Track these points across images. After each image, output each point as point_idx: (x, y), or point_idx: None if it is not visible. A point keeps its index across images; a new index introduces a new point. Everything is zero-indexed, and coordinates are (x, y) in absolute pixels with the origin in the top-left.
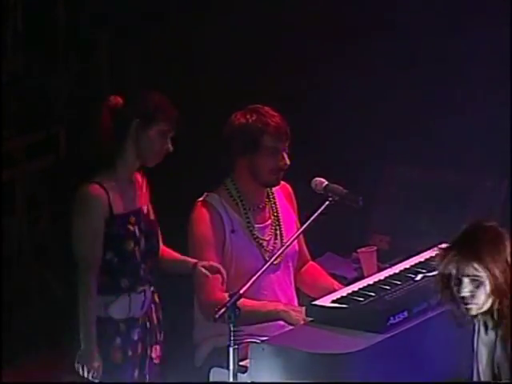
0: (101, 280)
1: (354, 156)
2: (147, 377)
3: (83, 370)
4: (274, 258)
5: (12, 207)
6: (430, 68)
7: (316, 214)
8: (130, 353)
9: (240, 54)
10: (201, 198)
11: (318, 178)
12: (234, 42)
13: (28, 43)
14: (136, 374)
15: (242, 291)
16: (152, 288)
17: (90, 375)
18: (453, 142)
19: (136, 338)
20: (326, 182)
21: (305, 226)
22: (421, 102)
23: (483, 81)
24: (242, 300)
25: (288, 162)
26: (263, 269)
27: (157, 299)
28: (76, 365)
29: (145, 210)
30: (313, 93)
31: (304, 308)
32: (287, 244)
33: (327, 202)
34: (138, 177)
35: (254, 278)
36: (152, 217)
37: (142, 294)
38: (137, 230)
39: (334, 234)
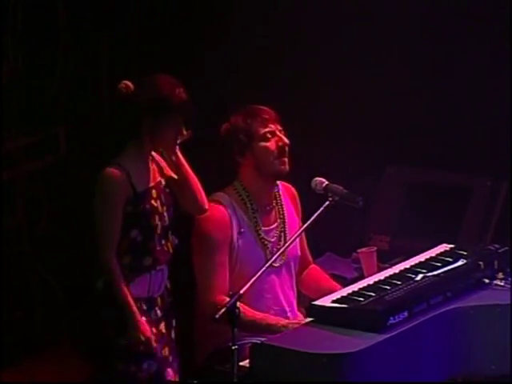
0: (123, 261)
1: (354, 156)
2: (171, 358)
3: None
4: (274, 257)
5: (12, 207)
6: (429, 67)
7: (316, 215)
8: (154, 330)
9: (239, 54)
10: (210, 197)
11: (317, 178)
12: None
13: (28, 43)
14: (166, 351)
15: (241, 291)
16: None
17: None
18: (453, 142)
19: (159, 315)
20: (326, 182)
21: (305, 226)
22: (420, 101)
23: (483, 81)
24: (245, 309)
25: (287, 140)
26: (263, 268)
27: (168, 285)
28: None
29: (163, 182)
30: (312, 91)
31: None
32: (288, 243)
33: (327, 202)
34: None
35: (254, 278)
36: (167, 189)
37: (160, 272)
38: (159, 204)
39: (334, 234)
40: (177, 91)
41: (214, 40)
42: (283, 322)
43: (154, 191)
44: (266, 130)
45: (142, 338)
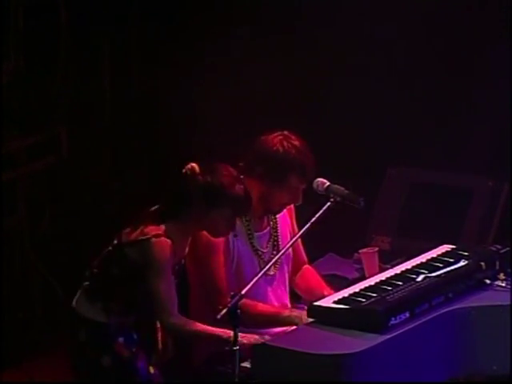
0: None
1: (355, 157)
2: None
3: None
4: (275, 259)
5: (13, 208)
6: (430, 68)
7: (318, 215)
8: (134, 349)
9: (238, 52)
10: None
11: (319, 179)
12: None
13: (29, 43)
14: (146, 366)
15: (243, 292)
16: None
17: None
18: (453, 142)
19: (137, 338)
20: (328, 183)
21: (307, 226)
22: (421, 102)
23: (483, 81)
24: (255, 305)
25: (301, 201)
26: (265, 269)
27: None
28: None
29: (184, 259)
30: (313, 92)
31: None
32: (287, 246)
33: (329, 203)
34: None
35: (255, 279)
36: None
37: None
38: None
39: (335, 235)
40: (236, 186)
41: (215, 38)
42: (295, 313)
43: (176, 266)
44: (298, 187)
45: (245, 341)
